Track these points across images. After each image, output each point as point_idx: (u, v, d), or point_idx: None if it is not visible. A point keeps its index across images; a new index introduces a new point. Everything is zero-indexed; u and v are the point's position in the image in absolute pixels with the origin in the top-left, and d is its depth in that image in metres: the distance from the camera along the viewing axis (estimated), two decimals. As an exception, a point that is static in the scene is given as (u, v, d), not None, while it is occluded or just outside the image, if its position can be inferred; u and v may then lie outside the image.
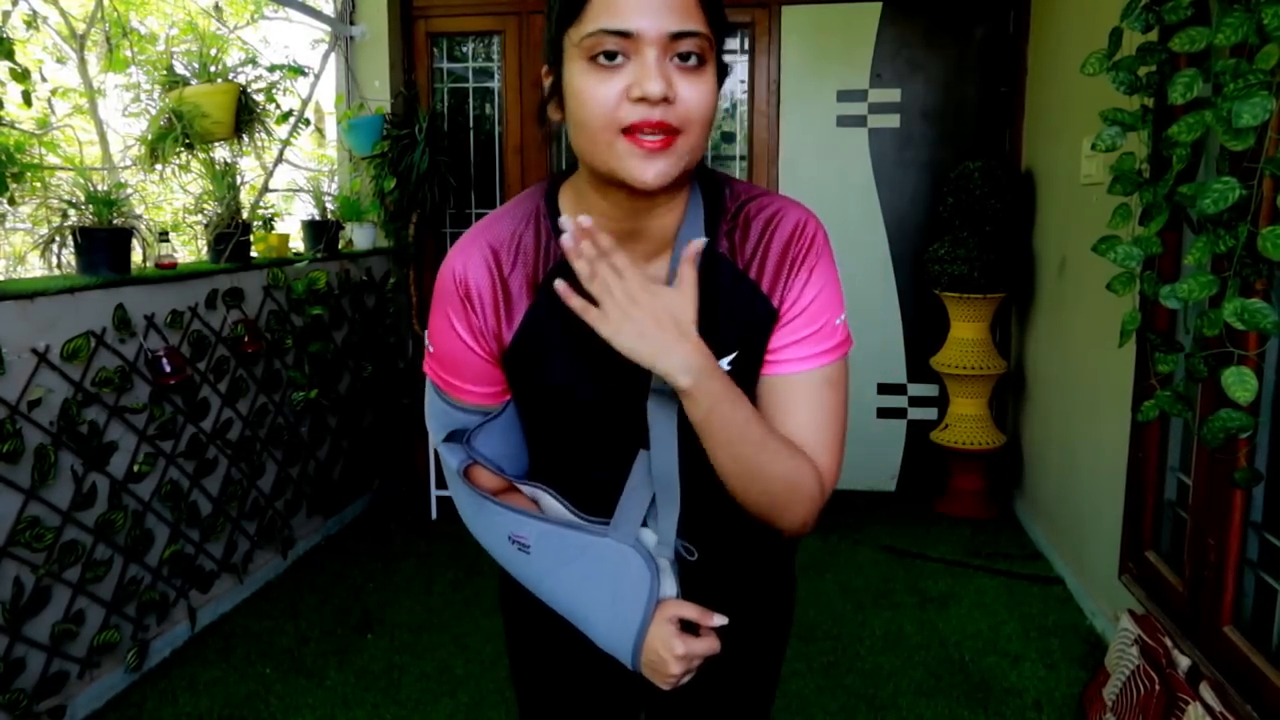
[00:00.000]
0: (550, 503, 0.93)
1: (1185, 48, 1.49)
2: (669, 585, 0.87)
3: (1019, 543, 3.27)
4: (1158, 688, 1.82)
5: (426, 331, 0.92)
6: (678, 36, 0.73)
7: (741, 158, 3.83)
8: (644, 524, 0.88)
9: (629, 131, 0.74)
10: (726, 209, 0.87)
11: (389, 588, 2.94)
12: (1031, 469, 3.40)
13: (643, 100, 0.73)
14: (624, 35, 0.72)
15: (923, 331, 3.72)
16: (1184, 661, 1.84)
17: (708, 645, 0.85)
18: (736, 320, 0.86)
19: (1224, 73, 1.37)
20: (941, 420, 3.61)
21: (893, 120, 3.66)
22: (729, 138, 3.85)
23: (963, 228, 3.38)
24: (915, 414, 3.80)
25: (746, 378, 0.87)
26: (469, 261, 0.86)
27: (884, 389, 3.80)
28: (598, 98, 0.74)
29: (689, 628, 0.87)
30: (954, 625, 2.64)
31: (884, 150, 3.68)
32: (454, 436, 0.94)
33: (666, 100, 0.73)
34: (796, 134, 3.71)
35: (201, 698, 2.29)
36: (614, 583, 0.86)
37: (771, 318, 0.86)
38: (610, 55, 0.73)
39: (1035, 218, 3.35)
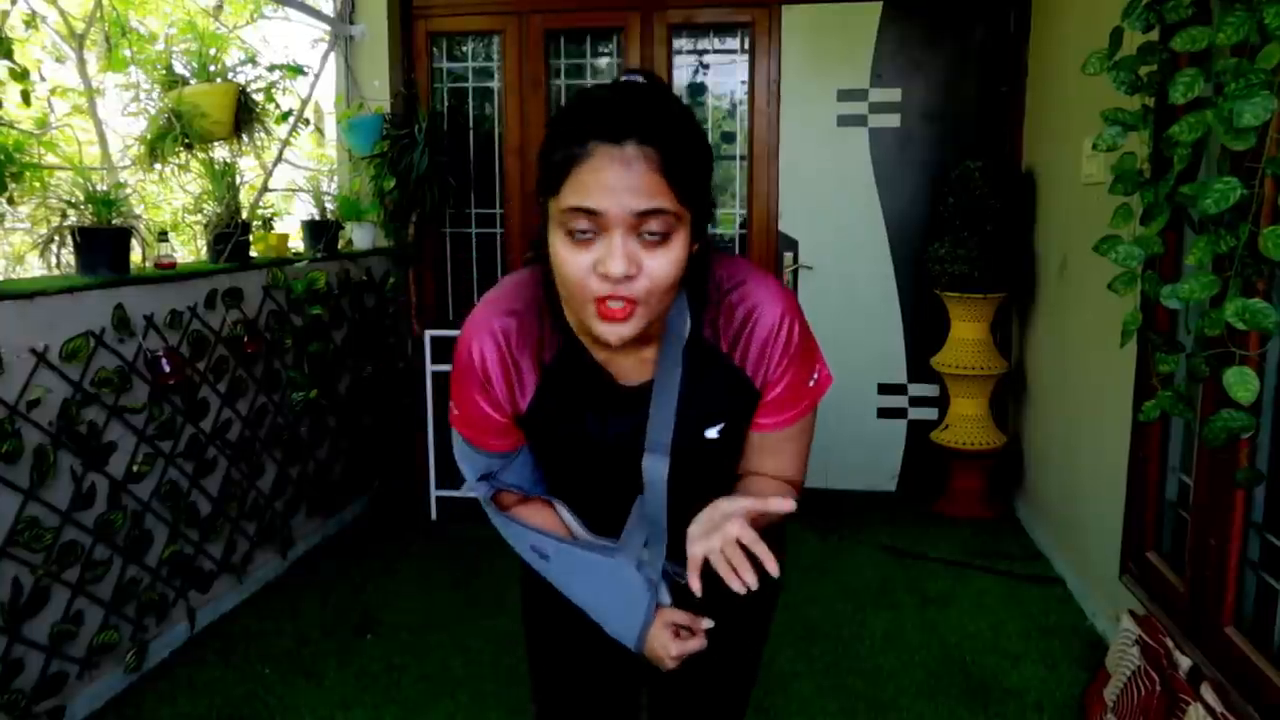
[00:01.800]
0: (565, 515, 1.11)
1: (1186, 47, 1.49)
2: (664, 596, 1.06)
3: (1019, 543, 3.27)
4: (1158, 688, 1.82)
5: (450, 397, 1.06)
6: (643, 215, 0.81)
7: (742, 158, 3.82)
8: (645, 544, 1.04)
9: (598, 302, 0.84)
10: (711, 299, 0.98)
11: (389, 588, 2.93)
12: (1032, 469, 3.39)
13: (606, 276, 0.82)
14: (592, 214, 0.81)
15: (923, 331, 3.72)
16: (1185, 662, 1.84)
17: (697, 643, 1.04)
18: (723, 397, 1.00)
19: (1225, 72, 1.37)
20: (942, 420, 3.61)
21: (893, 120, 3.65)
22: (729, 138, 3.85)
23: (963, 228, 3.38)
24: (915, 414, 3.80)
25: (732, 441, 1.04)
26: (484, 347, 0.99)
27: (884, 389, 3.80)
28: (571, 268, 0.84)
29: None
30: (954, 625, 2.64)
31: (884, 150, 3.68)
32: (484, 479, 1.10)
33: (629, 277, 0.82)
34: (796, 134, 3.70)
35: (201, 698, 2.29)
36: (621, 593, 1.04)
37: (754, 396, 1.01)
38: (582, 231, 0.82)
39: (1036, 218, 3.35)
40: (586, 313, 0.86)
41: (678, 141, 0.83)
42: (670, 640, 1.03)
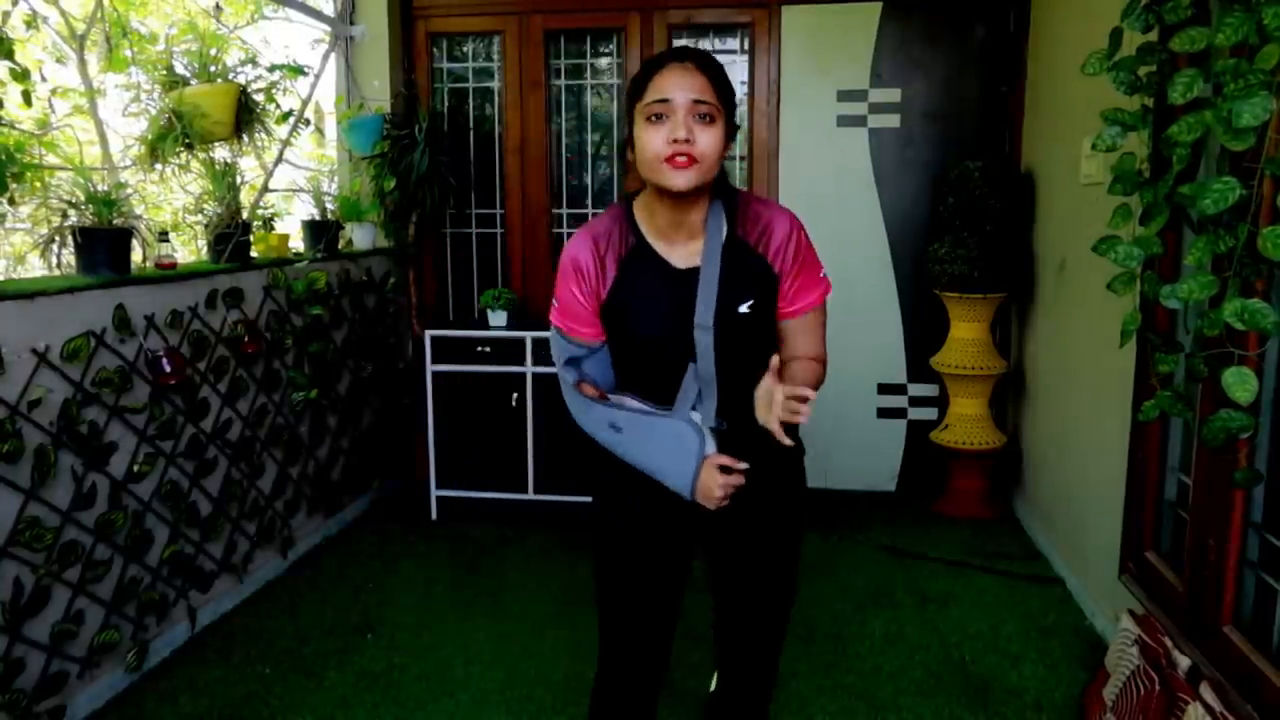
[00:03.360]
0: (631, 401, 1.40)
1: (1185, 48, 1.49)
2: (710, 446, 1.33)
3: (1019, 543, 3.27)
4: (1158, 688, 1.82)
5: (553, 296, 1.43)
6: (697, 102, 1.25)
7: (741, 158, 3.83)
8: (693, 409, 1.35)
9: (668, 159, 1.25)
10: (740, 211, 1.38)
11: (389, 588, 2.94)
12: (1031, 469, 3.40)
13: (674, 141, 1.24)
14: (664, 101, 1.24)
15: (923, 331, 3.72)
16: (1184, 661, 1.84)
17: (738, 479, 1.31)
18: (751, 279, 1.35)
19: (1224, 73, 1.37)
20: (941, 420, 3.61)
21: (893, 120, 3.66)
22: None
23: (963, 228, 3.38)
24: (915, 414, 3.80)
25: (762, 314, 1.37)
26: (580, 252, 1.39)
27: (884, 389, 3.80)
28: (651, 141, 1.26)
29: (726, 471, 1.33)
30: (954, 625, 2.64)
31: (884, 150, 3.68)
32: (571, 363, 1.42)
33: (688, 141, 1.24)
34: (796, 134, 3.71)
35: (201, 698, 2.29)
36: (676, 445, 1.33)
37: (775, 279, 1.37)
38: (658, 115, 1.25)
39: (1035, 218, 3.35)
40: (661, 171, 1.25)
41: (717, 67, 1.30)
42: (717, 476, 1.30)
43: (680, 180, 1.24)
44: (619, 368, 1.44)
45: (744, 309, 1.34)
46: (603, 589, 1.53)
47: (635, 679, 1.53)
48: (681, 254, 1.36)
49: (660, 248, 1.37)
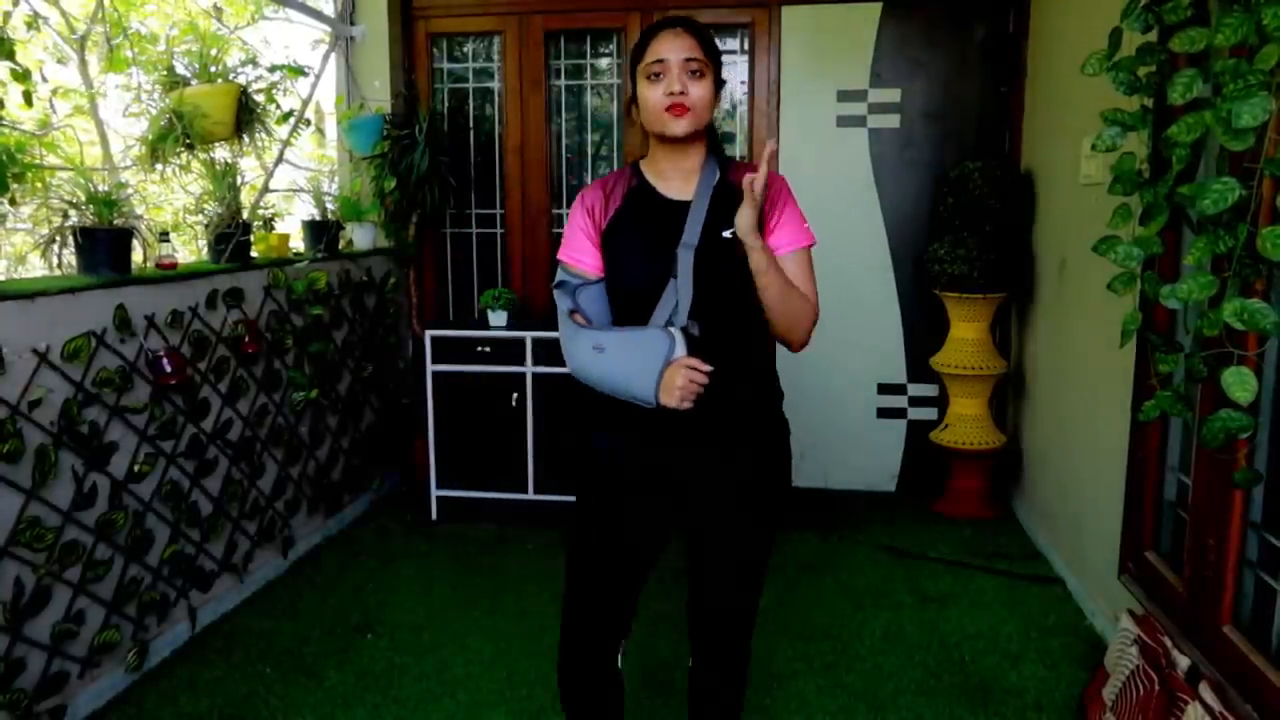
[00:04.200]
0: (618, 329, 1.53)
1: (1185, 48, 1.49)
2: (680, 349, 1.41)
3: (1019, 543, 3.27)
4: (1157, 688, 1.82)
5: (563, 236, 1.58)
6: (688, 60, 1.45)
7: (742, 157, 3.83)
8: (668, 325, 1.44)
9: (668, 109, 1.45)
10: (732, 165, 1.57)
11: (389, 588, 2.94)
12: (1031, 469, 3.40)
13: (671, 94, 1.44)
14: (661, 61, 1.45)
15: (923, 331, 3.73)
16: (1183, 661, 1.85)
17: (700, 378, 1.39)
18: (735, 211, 1.43)
19: (1224, 73, 1.37)
20: (941, 420, 3.61)
21: (893, 120, 3.66)
22: (729, 138, 3.85)
23: (963, 228, 3.38)
24: (915, 414, 3.80)
25: (740, 245, 1.43)
26: (590, 191, 1.58)
27: (884, 389, 3.80)
28: (651, 95, 1.46)
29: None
30: (954, 625, 2.64)
31: (884, 150, 3.68)
32: (568, 291, 1.53)
33: (683, 93, 1.44)
34: (796, 134, 3.71)
35: (201, 698, 2.29)
36: (648, 350, 1.42)
37: (761, 213, 1.46)
38: (656, 74, 1.46)
39: (1035, 218, 3.36)
40: (662, 119, 1.45)
41: (703, 30, 1.49)
42: (681, 374, 1.38)
43: (678, 127, 1.45)
44: (614, 303, 1.55)
45: (727, 234, 1.46)
46: (570, 551, 1.60)
47: (595, 638, 1.59)
48: (678, 190, 1.53)
49: (659, 186, 1.55)
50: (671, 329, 1.43)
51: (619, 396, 1.46)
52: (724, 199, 1.49)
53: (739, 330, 1.50)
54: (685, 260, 1.44)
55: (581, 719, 1.64)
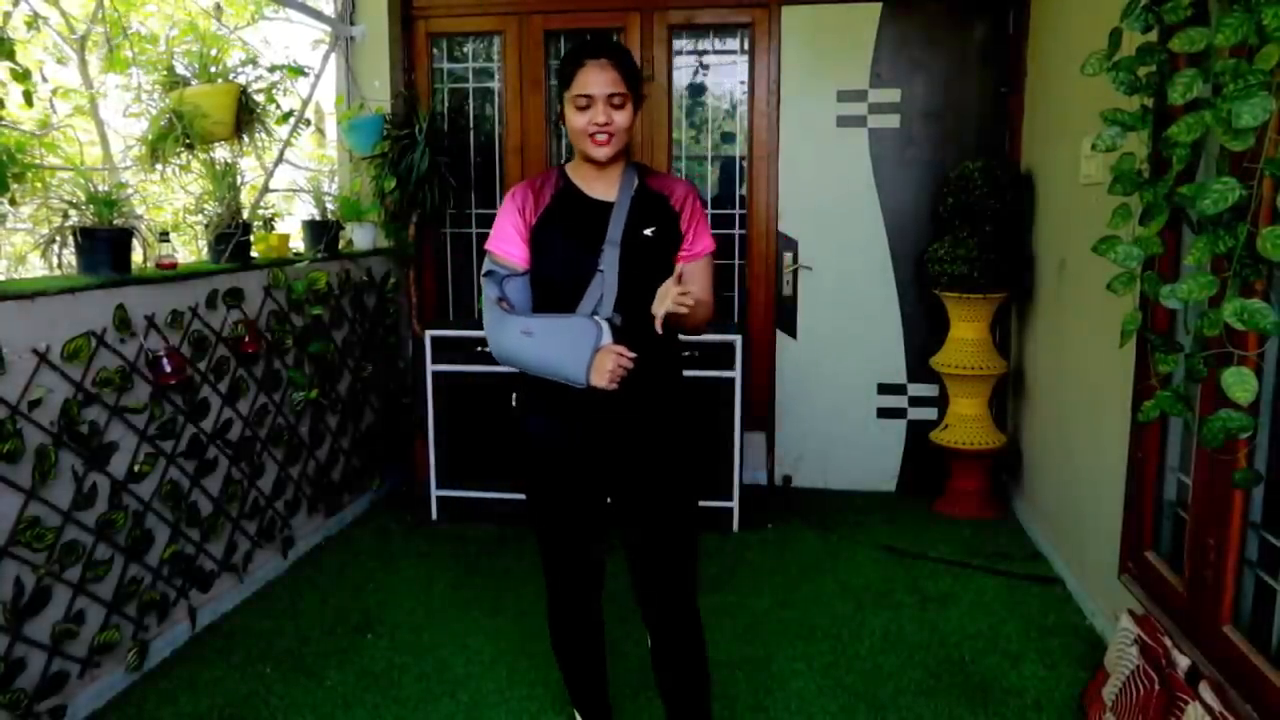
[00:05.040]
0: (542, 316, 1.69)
1: (1185, 48, 1.49)
2: (607, 337, 1.59)
3: (1019, 543, 3.27)
4: (1157, 688, 1.82)
5: (490, 233, 1.72)
6: (611, 95, 1.61)
7: (742, 158, 3.83)
8: (594, 313, 1.62)
9: (591, 136, 1.62)
10: (648, 174, 1.75)
11: (389, 588, 2.94)
12: (1031, 469, 3.40)
13: (597, 124, 1.61)
14: (587, 96, 1.61)
15: (923, 331, 3.73)
16: (1183, 661, 1.85)
17: (628, 360, 1.57)
18: (653, 212, 1.70)
19: (1224, 73, 1.37)
20: (941, 420, 3.61)
21: (893, 120, 3.66)
22: (729, 138, 3.85)
23: (963, 228, 3.38)
24: (915, 414, 3.80)
25: (661, 244, 1.69)
26: (520, 190, 1.72)
27: (884, 389, 3.81)
28: (578, 122, 1.63)
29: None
30: (954, 625, 2.64)
31: (884, 150, 3.68)
32: (495, 280, 1.69)
33: (607, 124, 1.61)
34: (796, 134, 3.71)
35: (201, 698, 2.29)
36: (578, 337, 1.60)
37: (675, 215, 1.71)
38: (582, 107, 1.62)
39: (1035, 218, 3.36)
40: (586, 144, 1.63)
41: (626, 58, 1.65)
42: (609, 356, 1.56)
43: (601, 153, 1.63)
44: (536, 293, 1.71)
45: (647, 232, 1.67)
46: (535, 522, 1.82)
47: (575, 589, 1.85)
48: (601, 192, 1.70)
49: (584, 188, 1.71)
50: (598, 318, 1.60)
51: (547, 376, 1.63)
52: (643, 199, 1.69)
53: (650, 321, 1.63)
54: (611, 256, 1.63)
55: (571, 660, 1.94)
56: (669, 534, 1.76)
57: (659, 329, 1.57)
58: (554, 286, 1.68)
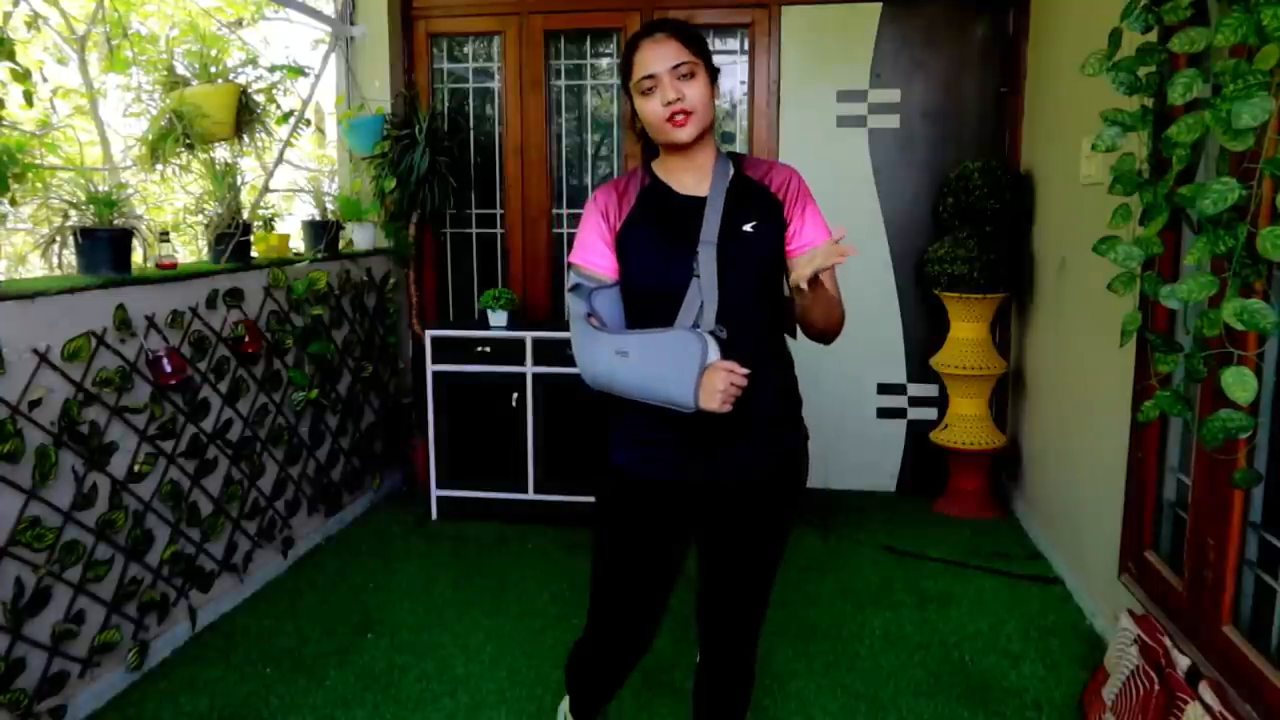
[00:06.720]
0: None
1: (1185, 48, 1.50)
2: (714, 353, 1.38)
3: (1019, 543, 3.27)
4: (1157, 688, 1.82)
5: (576, 236, 1.56)
6: (676, 67, 1.43)
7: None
8: (695, 326, 1.41)
9: (669, 120, 1.44)
10: (745, 161, 1.56)
11: (389, 588, 2.94)
12: (1031, 469, 3.40)
13: (668, 103, 1.43)
14: (650, 77, 1.44)
15: (923, 331, 3.73)
16: (1183, 661, 1.85)
17: (741, 379, 1.35)
18: (753, 204, 1.50)
19: (1223, 73, 1.37)
20: (941, 420, 3.61)
21: (892, 120, 3.66)
22: (729, 138, 3.85)
23: (963, 228, 3.39)
24: (915, 414, 3.80)
25: (764, 237, 1.48)
26: (603, 193, 1.56)
27: (884, 389, 3.81)
28: (649, 109, 1.46)
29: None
30: (954, 625, 2.64)
31: (884, 150, 3.68)
32: (583, 295, 1.50)
33: (679, 99, 1.43)
34: (796, 134, 3.71)
35: (202, 697, 2.29)
36: (680, 352, 1.38)
37: (777, 204, 1.50)
38: (649, 88, 1.45)
39: (1035, 218, 3.36)
40: (665, 130, 1.45)
41: (685, 29, 1.48)
42: (721, 377, 1.34)
43: (683, 134, 1.44)
44: (629, 306, 1.52)
45: (747, 228, 1.47)
46: (599, 562, 1.60)
47: (618, 649, 1.63)
48: (692, 187, 1.52)
49: (673, 184, 1.53)
50: (701, 330, 1.39)
51: (649, 401, 1.43)
52: (741, 189, 1.50)
53: (760, 330, 1.48)
54: (708, 258, 1.42)
55: (589, 692, 1.75)
56: (752, 581, 1.58)
57: (798, 299, 1.35)
58: (647, 297, 1.49)
